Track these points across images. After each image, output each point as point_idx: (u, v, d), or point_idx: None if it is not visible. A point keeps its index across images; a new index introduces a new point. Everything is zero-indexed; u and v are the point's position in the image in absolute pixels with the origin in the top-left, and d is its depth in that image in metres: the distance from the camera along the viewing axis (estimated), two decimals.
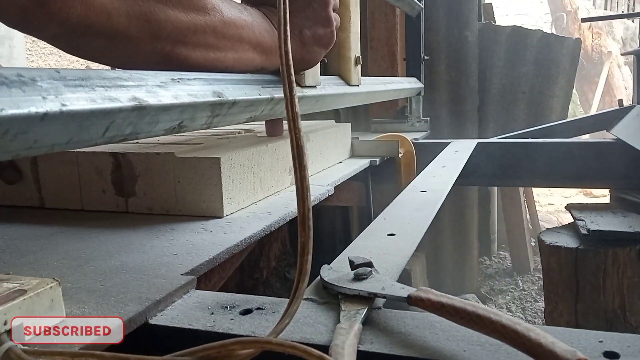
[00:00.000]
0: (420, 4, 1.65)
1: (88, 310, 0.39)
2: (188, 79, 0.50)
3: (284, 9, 0.44)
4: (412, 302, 0.37)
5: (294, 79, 0.42)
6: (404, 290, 0.39)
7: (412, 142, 1.52)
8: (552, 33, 1.82)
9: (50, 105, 0.33)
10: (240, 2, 0.68)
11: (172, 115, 0.46)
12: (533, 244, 2.32)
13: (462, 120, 1.84)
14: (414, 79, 1.68)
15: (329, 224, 1.78)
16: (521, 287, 2.07)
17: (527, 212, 2.27)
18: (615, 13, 4.96)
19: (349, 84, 1.02)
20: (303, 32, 0.69)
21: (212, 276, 0.69)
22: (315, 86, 0.83)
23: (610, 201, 1.42)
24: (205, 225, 0.63)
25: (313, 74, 0.81)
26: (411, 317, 0.38)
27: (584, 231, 1.18)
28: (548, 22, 5.49)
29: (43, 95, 0.33)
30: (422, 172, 1.02)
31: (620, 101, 1.49)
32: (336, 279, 0.43)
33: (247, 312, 0.41)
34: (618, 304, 1.18)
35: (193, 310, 0.41)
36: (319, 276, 0.45)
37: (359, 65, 1.05)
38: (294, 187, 0.85)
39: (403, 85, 1.53)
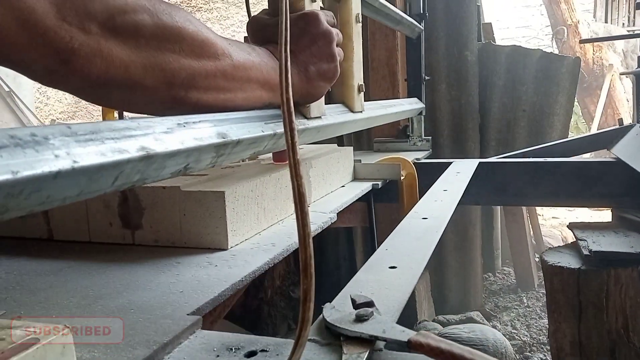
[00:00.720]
0: (421, 26, 1.67)
1: (98, 354, 0.40)
2: (194, 122, 0.51)
3: (286, 69, 0.46)
4: (411, 346, 0.38)
5: (297, 143, 0.43)
6: (404, 334, 0.40)
7: (414, 163, 1.54)
8: (551, 52, 1.84)
9: (62, 163, 0.34)
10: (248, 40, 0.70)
11: (179, 160, 0.47)
12: (537, 259, 2.32)
13: (464, 139, 1.85)
14: (415, 100, 1.70)
15: (333, 245, 1.79)
16: (525, 304, 2.07)
17: (530, 227, 2.28)
18: (615, 30, 4.98)
19: (352, 111, 1.04)
20: (308, 68, 0.72)
21: (215, 308, 0.71)
22: (320, 117, 0.85)
23: (612, 220, 1.43)
24: (211, 259, 0.64)
25: (318, 105, 0.83)
26: (411, 359, 0.39)
27: (585, 252, 1.19)
28: (549, 35, 5.52)
29: (55, 153, 0.34)
30: (424, 196, 1.03)
31: (621, 120, 1.50)
32: (338, 319, 0.44)
33: (251, 354, 0.42)
34: (621, 324, 1.18)
35: (199, 352, 0.42)
36: (321, 315, 0.46)
37: (362, 92, 1.07)
38: None
39: (404, 107, 1.54)
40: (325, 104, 0.90)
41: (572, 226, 1.39)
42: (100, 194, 0.40)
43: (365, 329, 0.42)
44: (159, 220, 0.70)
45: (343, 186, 1.13)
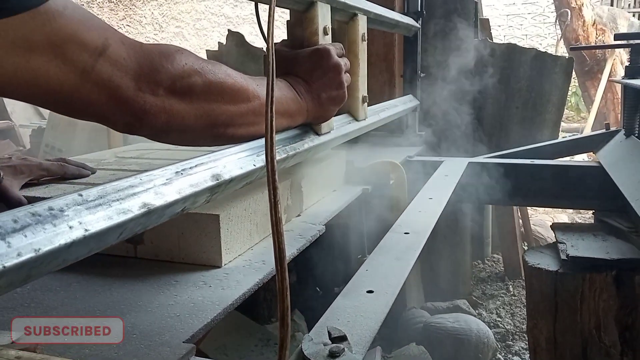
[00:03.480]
0: (418, 24, 1.70)
1: None
2: (190, 168, 0.57)
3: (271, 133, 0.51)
4: None
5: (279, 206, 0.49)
6: None
7: (407, 159, 1.60)
8: (545, 52, 1.87)
9: (76, 234, 0.40)
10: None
11: (176, 207, 0.53)
12: (526, 247, 2.39)
13: (458, 134, 1.90)
14: (410, 97, 1.74)
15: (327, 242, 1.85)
16: (512, 292, 2.15)
17: (520, 216, 2.34)
18: (619, 14, 4.93)
19: (357, 120, 1.15)
20: (321, 95, 0.85)
21: None
22: (329, 131, 0.97)
23: (595, 222, 1.49)
24: (205, 278, 0.70)
25: (328, 122, 0.94)
26: None
27: (563, 256, 1.25)
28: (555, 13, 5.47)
29: (70, 224, 0.40)
30: (409, 205, 1.09)
31: (607, 124, 1.55)
32: (314, 353, 0.51)
33: None
34: (594, 325, 1.25)
35: None
36: (299, 347, 0.52)
37: (366, 103, 1.18)
38: (288, 226, 0.93)
39: (400, 107, 1.59)
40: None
41: (554, 227, 1.46)
42: (106, 247, 0.46)
43: None
44: (159, 237, 0.76)
45: (335, 190, 1.19)
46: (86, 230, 0.41)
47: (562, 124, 7.35)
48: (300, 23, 0.93)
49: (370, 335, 0.56)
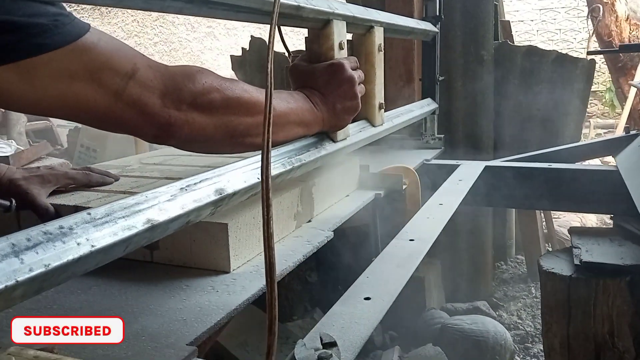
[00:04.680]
0: (436, 28, 1.71)
1: None
2: (195, 184, 0.61)
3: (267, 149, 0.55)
4: None
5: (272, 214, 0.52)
6: None
7: (424, 162, 1.62)
8: (566, 54, 1.86)
9: (83, 250, 0.45)
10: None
11: (180, 221, 0.58)
12: (549, 248, 2.38)
13: (479, 137, 1.90)
14: (429, 100, 1.76)
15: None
16: (534, 294, 2.14)
17: (543, 217, 2.33)
18: None
19: (374, 126, 1.20)
20: (335, 106, 0.92)
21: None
22: (345, 138, 1.03)
23: (613, 226, 1.49)
24: (214, 283, 0.75)
25: (344, 130, 1.01)
26: None
27: (576, 261, 1.26)
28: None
29: (78, 241, 0.45)
30: (418, 211, 1.11)
31: (627, 128, 1.53)
32: (304, 358, 0.54)
33: None
34: (607, 330, 1.26)
35: None
36: (292, 352, 0.56)
37: (382, 109, 1.23)
38: (297, 232, 0.97)
39: (418, 111, 1.61)
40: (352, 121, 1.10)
41: (571, 230, 1.46)
42: (113, 259, 0.51)
43: None
44: (173, 244, 0.82)
45: (347, 195, 1.22)
46: (93, 246, 0.46)
47: (598, 120, 7.16)
48: (317, 39, 0.98)
49: (361, 341, 0.60)
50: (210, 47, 9.59)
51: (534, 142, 1.89)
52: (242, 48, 2.15)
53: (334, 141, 0.99)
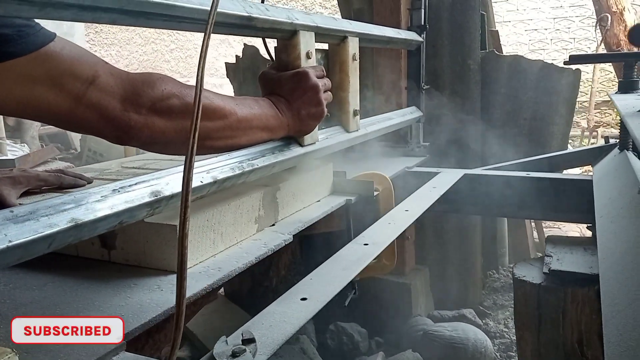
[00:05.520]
0: (421, 38, 1.73)
1: None
2: (130, 186, 0.65)
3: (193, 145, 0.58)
4: None
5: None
6: None
7: (405, 170, 1.64)
8: (552, 64, 1.86)
9: (0, 245, 0.48)
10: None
11: (110, 221, 0.61)
12: (539, 256, 2.36)
13: (466, 145, 1.92)
14: (413, 108, 1.78)
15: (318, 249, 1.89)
16: None
17: (534, 225, 2.32)
18: None
19: (348, 132, 1.25)
20: (300, 112, 0.97)
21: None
22: (313, 143, 1.07)
23: (593, 236, 1.48)
24: (161, 283, 0.78)
25: (311, 135, 1.05)
26: None
27: (545, 269, 1.26)
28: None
29: None
30: (382, 217, 1.13)
31: (607, 138, 1.53)
32: (220, 353, 0.57)
33: None
34: (576, 339, 1.26)
35: None
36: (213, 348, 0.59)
37: (357, 116, 1.28)
38: (258, 235, 1.00)
39: (400, 119, 1.63)
40: (326, 127, 1.19)
41: (548, 239, 1.46)
42: (40, 255, 0.54)
43: None
44: (128, 244, 0.85)
45: (319, 201, 1.24)
46: (10, 241, 0.49)
47: (613, 130, 7.05)
48: (286, 49, 1.02)
49: (283, 339, 0.62)
50: (225, 54, 9.70)
51: (521, 151, 1.89)
52: (236, 55, 2.20)
53: (301, 145, 1.04)
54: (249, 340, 0.59)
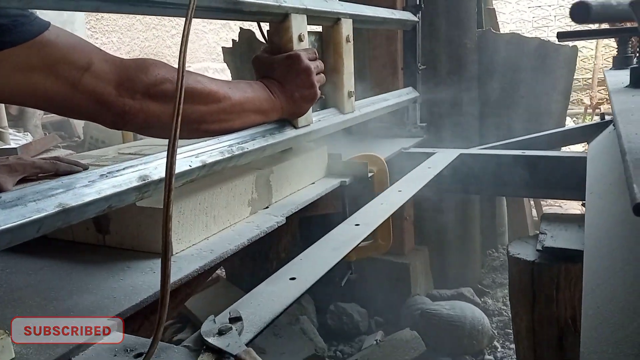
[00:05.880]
0: (416, 17, 1.73)
1: (31, 350, 0.57)
2: (117, 171, 0.66)
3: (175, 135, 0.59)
4: (237, 359, 0.53)
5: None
6: (238, 349, 0.54)
7: (401, 150, 1.65)
8: (548, 40, 1.85)
9: None
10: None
11: (98, 205, 0.62)
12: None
13: (464, 124, 1.92)
14: (410, 89, 1.78)
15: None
16: None
17: (533, 204, 2.33)
18: None
19: (343, 113, 1.26)
20: (294, 94, 0.98)
21: (178, 293, 0.87)
22: (308, 125, 1.08)
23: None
24: (154, 265, 0.80)
25: (306, 116, 1.07)
26: None
27: (539, 247, 1.28)
28: None
29: None
30: (375, 198, 1.15)
31: (602, 115, 1.53)
32: (207, 331, 0.59)
33: (139, 355, 0.57)
34: (570, 315, 1.27)
35: (105, 352, 0.58)
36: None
37: (352, 97, 1.29)
38: (251, 218, 1.02)
39: (396, 99, 1.63)
40: (322, 109, 1.21)
41: (543, 217, 1.47)
42: (30, 239, 0.56)
43: (217, 342, 0.56)
44: (122, 228, 0.86)
45: (313, 183, 1.25)
46: None
47: None
48: (278, 32, 1.03)
49: (270, 317, 0.64)
50: (226, 38, 9.64)
51: (519, 129, 1.89)
52: (232, 40, 2.19)
53: (295, 127, 1.06)
54: (236, 319, 0.61)
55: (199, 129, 0.84)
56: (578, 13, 0.68)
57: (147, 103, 0.75)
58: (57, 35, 0.68)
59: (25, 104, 0.73)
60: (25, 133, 4.64)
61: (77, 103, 0.71)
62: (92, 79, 0.70)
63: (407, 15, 1.69)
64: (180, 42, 0.60)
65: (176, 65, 0.83)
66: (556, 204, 2.97)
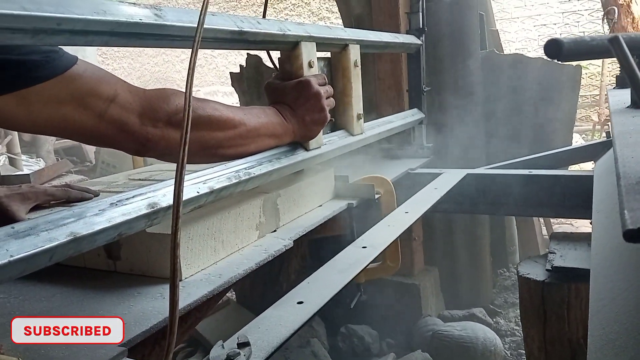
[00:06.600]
0: (419, 41, 1.75)
1: None
2: (127, 199, 0.67)
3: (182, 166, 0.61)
4: None
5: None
6: None
7: (408, 171, 1.66)
8: (551, 61, 1.87)
9: (2, 260, 0.51)
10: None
11: (109, 233, 0.64)
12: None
13: (470, 145, 1.93)
14: (415, 110, 1.80)
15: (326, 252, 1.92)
16: None
17: (542, 222, 2.32)
18: None
19: (352, 135, 1.30)
20: (304, 118, 1.03)
21: (188, 318, 0.88)
22: (319, 147, 1.13)
23: None
24: (164, 290, 0.81)
25: (316, 139, 1.11)
26: None
27: (548, 266, 1.27)
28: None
29: None
30: (382, 220, 1.15)
31: (608, 133, 1.53)
32: (215, 357, 0.60)
33: None
34: (582, 335, 1.26)
35: None
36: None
37: (361, 119, 1.32)
38: (259, 242, 1.03)
39: (402, 121, 1.65)
40: (332, 131, 1.25)
41: (552, 236, 1.47)
42: (42, 267, 0.57)
43: None
44: (132, 254, 0.88)
45: (320, 205, 1.27)
46: (12, 256, 0.52)
47: None
48: (289, 60, 1.07)
49: (278, 342, 0.65)
50: (235, 62, 9.78)
51: (526, 149, 1.90)
52: (240, 65, 2.24)
53: (307, 150, 1.10)
54: (244, 344, 0.61)
55: (216, 154, 0.89)
56: (550, 50, 0.70)
57: (168, 131, 0.79)
58: (84, 69, 0.73)
59: (54, 134, 0.77)
60: (38, 159, 4.71)
61: (103, 132, 0.75)
62: (117, 109, 0.75)
63: (410, 39, 1.71)
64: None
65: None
66: (567, 222, 2.96)
